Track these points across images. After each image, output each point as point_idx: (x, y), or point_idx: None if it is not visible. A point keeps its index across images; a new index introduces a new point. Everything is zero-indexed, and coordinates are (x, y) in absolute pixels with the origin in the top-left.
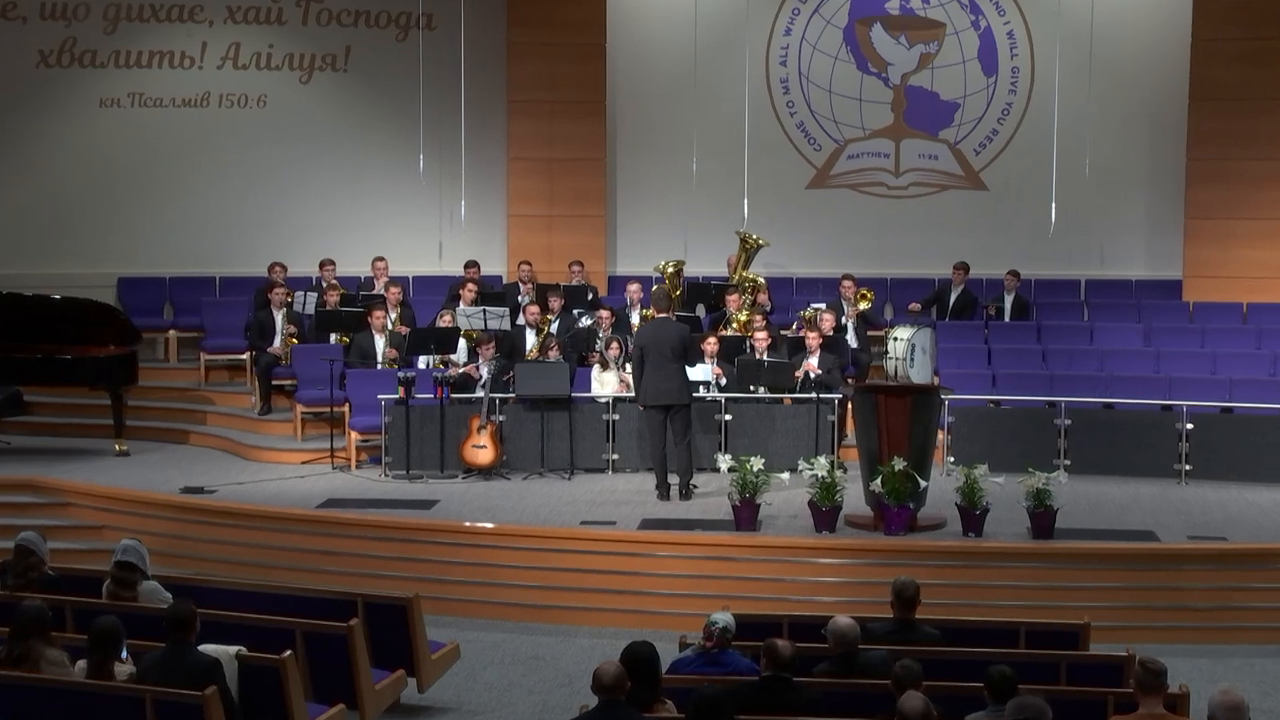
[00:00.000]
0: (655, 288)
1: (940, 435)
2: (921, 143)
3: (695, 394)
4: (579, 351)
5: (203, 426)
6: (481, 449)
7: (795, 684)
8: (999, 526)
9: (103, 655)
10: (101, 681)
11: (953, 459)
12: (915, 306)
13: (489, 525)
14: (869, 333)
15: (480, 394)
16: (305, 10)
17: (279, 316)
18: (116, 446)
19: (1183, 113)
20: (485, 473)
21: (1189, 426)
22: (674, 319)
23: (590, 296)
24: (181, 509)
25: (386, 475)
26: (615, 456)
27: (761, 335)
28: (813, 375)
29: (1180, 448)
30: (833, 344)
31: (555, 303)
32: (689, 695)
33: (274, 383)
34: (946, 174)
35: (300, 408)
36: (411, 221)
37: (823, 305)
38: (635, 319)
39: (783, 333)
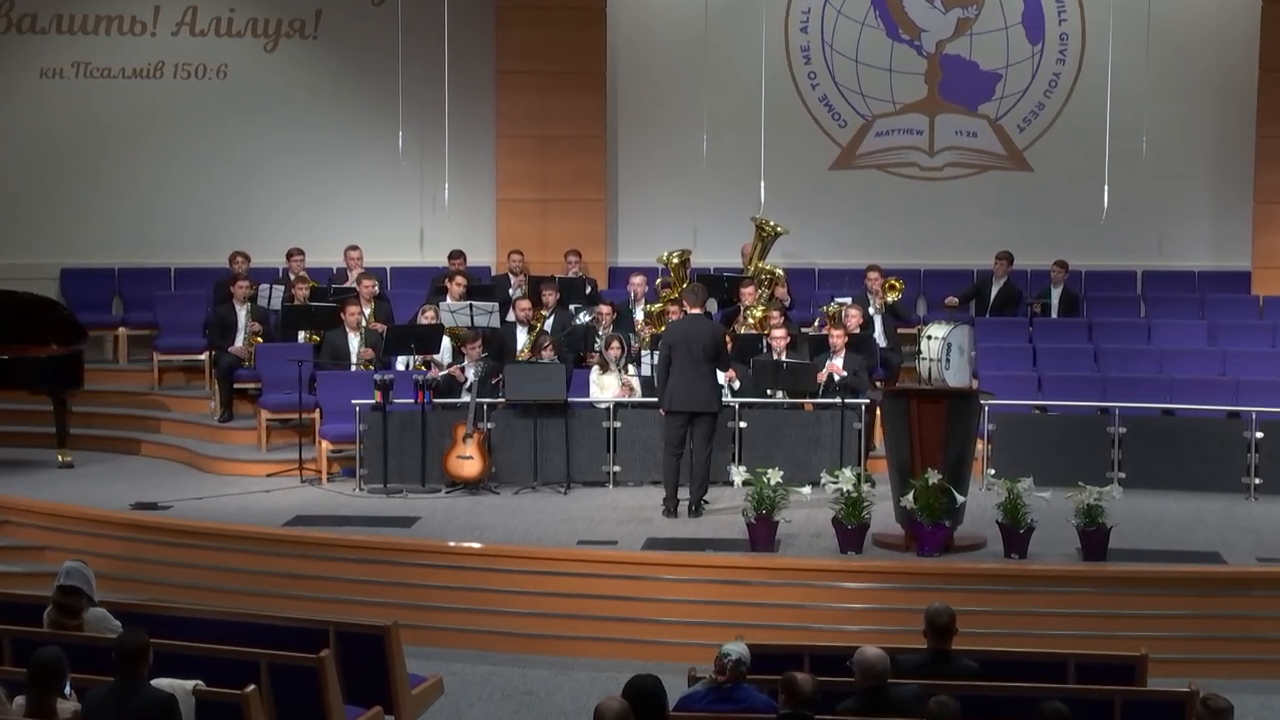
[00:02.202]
0: (681, 281)
1: (979, 445)
2: (959, 118)
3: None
4: (576, 351)
5: (156, 435)
6: (467, 460)
7: None
8: (1045, 547)
9: (44, 690)
10: None
11: (993, 471)
12: (952, 301)
13: (476, 545)
14: (900, 331)
15: (466, 399)
16: None
17: (241, 312)
18: (59, 457)
19: (1251, 85)
20: (472, 487)
21: (1259, 435)
22: (708, 316)
23: (588, 290)
24: (132, 527)
25: (361, 489)
26: (617, 468)
27: (780, 333)
28: (837, 378)
29: (1249, 459)
30: (860, 343)
31: (549, 297)
32: None
33: (236, 386)
34: (986, 153)
35: (265, 414)
36: (389, 206)
37: (848, 299)
38: (639, 315)
39: (803, 330)
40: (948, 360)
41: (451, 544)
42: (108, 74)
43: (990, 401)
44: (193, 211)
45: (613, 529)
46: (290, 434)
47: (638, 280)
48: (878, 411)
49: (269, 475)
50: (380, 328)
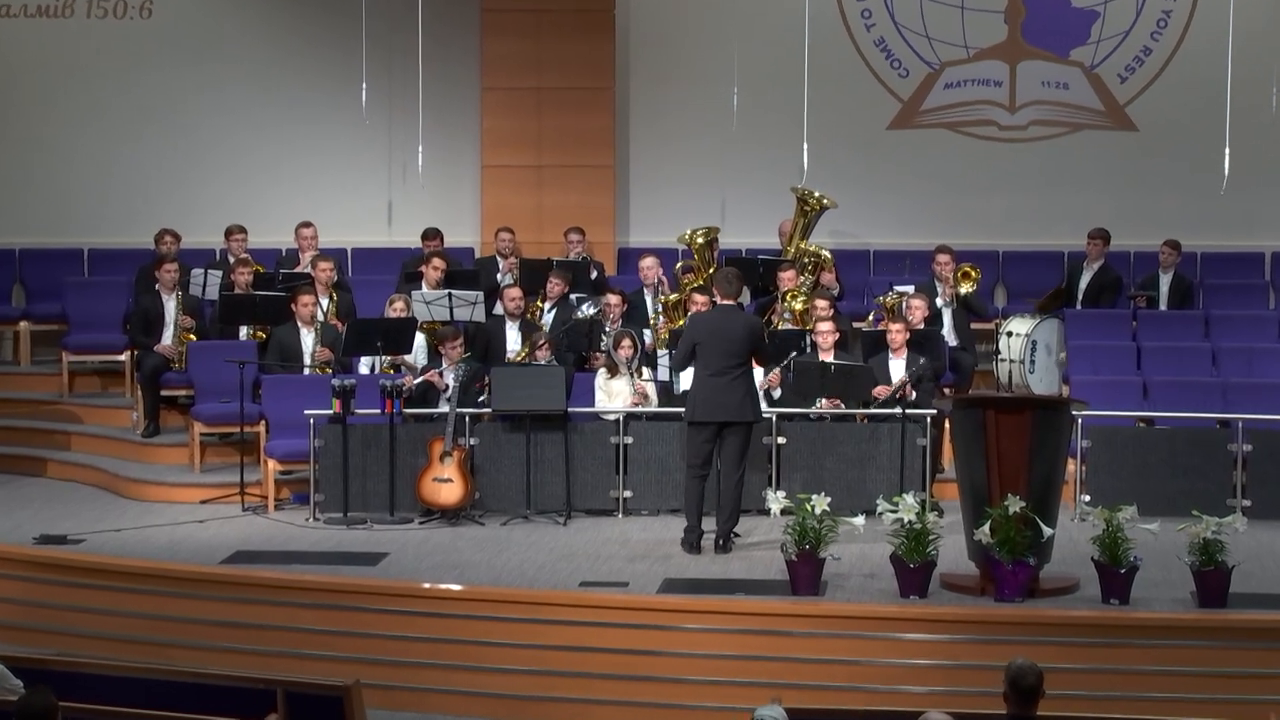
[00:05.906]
0: (707, 265)
1: (1071, 466)
2: (1046, 66)
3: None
4: (578, 351)
5: (65, 453)
6: (446, 484)
7: None
8: (1152, 590)
9: None
10: None
11: (1088, 498)
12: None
13: (456, 587)
14: (973, 326)
15: (444, 409)
16: None
17: (170, 303)
18: None
19: None
20: (451, 516)
21: None
22: (740, 308)
23: (594, 276)
24: (37, 565)
25: (316, 519)
26: (628, 494)
27: (826, 328)
28: (896, 381)
29: None
30: (924, 340)
31: (555, 287)
32: None
33: (163, 393)
34: (1080, 109)
35: (199, 427)
36: (350, 175)
37: (910, 288)
38: (654, 306)
39: (856, 325)
40: (1032, 362)
41: (426, 586)
42: (6, 12)
43: (1084, 412)
44: (111, 181)
45: (623, 567)
46: (230, 451)
47: (650, 263)
48: (946, 425)
49: (203, 502)
50: (340, 323)
